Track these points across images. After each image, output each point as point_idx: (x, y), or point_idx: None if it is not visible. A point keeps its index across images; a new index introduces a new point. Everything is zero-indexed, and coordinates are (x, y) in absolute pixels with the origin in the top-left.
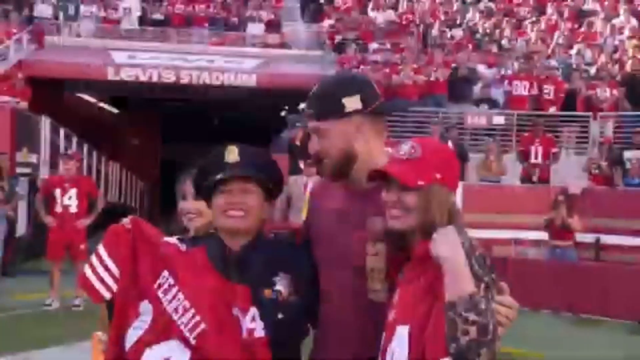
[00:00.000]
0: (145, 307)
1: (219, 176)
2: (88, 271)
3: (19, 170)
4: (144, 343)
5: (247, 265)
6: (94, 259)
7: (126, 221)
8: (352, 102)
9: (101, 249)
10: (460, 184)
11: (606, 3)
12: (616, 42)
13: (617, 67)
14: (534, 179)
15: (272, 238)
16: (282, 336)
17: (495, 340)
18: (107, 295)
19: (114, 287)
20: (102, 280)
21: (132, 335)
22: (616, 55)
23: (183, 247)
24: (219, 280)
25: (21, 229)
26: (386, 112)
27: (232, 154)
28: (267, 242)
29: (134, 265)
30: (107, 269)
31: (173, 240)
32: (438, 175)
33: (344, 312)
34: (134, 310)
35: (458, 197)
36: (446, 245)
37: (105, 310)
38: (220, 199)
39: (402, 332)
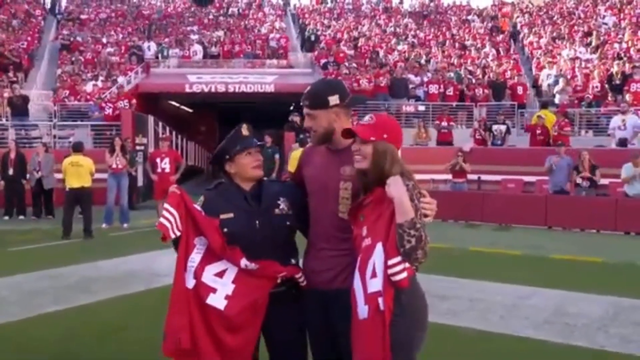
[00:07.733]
0: (200, 240)
1: (247, 143)
2: (163, 220)
3: (137, 147)
4: (205, 262)
5: (259, 197)
6: (164, 212)
7: (174, 188)
8: (333, 99)
9: (167, 206)
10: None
11: (478, 40)
12: (485, 62)
13: (486, 77)
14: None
15: (268, 181)
16: (284, 231)
17: (426, 244)
18: (173, 235)
19: (180, 226)
20: (171, 224)
21: (195, 259)
22: (486, 70)
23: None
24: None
25: (140, 181)
26: (353, 105)
27: (245, 130)
28: (268, 182)
29: (187, 213)
30: (173, 216)
31: (197, 207)
32: (385, 135)
33: (324, 223)
34: (192, 242)
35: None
36: (395, 188)
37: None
38: (247, 158)
39: (379, 248)
